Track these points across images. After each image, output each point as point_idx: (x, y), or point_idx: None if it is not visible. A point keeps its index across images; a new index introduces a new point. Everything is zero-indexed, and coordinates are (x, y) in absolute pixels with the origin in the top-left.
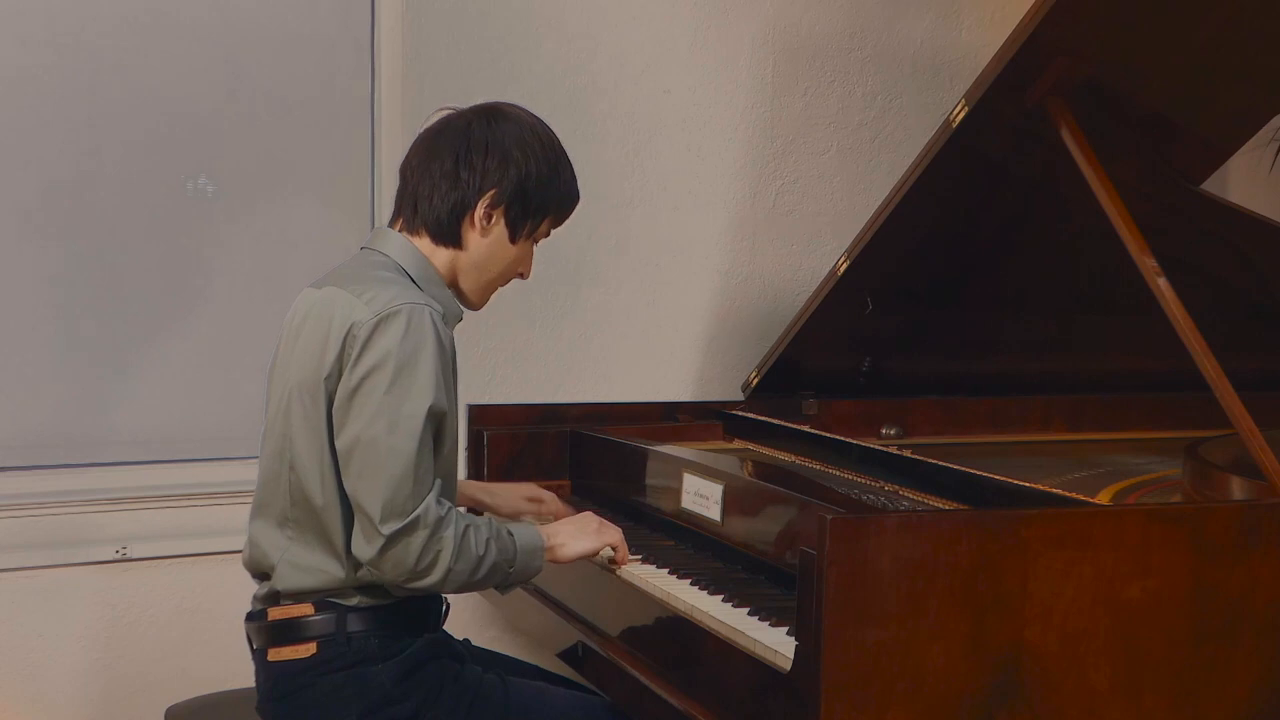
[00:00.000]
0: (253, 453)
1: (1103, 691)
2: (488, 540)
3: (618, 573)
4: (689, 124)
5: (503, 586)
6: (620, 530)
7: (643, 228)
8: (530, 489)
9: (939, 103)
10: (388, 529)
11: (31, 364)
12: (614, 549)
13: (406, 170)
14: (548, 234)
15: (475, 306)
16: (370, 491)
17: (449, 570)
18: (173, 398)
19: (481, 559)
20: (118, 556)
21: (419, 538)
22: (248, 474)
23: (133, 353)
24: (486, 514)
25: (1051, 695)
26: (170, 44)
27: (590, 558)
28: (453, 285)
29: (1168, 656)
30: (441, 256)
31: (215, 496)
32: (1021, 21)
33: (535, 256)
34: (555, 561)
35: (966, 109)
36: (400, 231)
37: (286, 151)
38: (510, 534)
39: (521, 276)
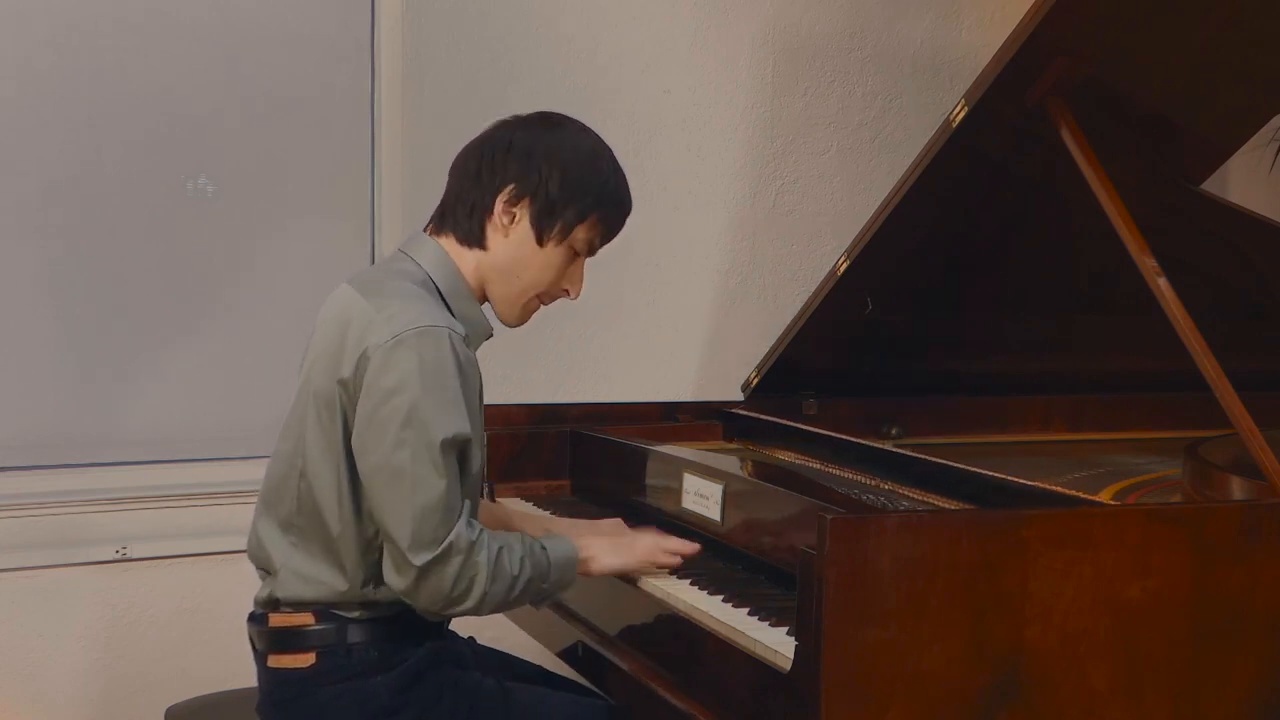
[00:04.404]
0: (252, 452)
1: (1103, 691)
2: (522, 559)
3: (639, 584)
4: (689, 124)
5: (537, 602)
6: (650, 540)
7: (643, 228)
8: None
9: (939, 103)
10: (420, 559)
11: (32, 364)
12: (659, 566)
13: (449, 177)
14: (592, 245)
15: (510, 322)
16: (398, 523)
17: (485, 594)
18: (173, 397)
19: (516, 579)
20: (118, 556)
21: (453, 565)
22: (248, 474)
23: (133, 353)
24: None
25: (1051, 695)
26: (170, 44)
27: (622, 575)
28: (483, 297)
29: (1168, 656)
30: (468, 261)
31: (215, 496)
32: (1021, 21)
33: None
34: (586, 575)
35: (966, 109)
36: (431, 235)
37: (286, 151)
38: (544, 548)
39: (567, 294)
